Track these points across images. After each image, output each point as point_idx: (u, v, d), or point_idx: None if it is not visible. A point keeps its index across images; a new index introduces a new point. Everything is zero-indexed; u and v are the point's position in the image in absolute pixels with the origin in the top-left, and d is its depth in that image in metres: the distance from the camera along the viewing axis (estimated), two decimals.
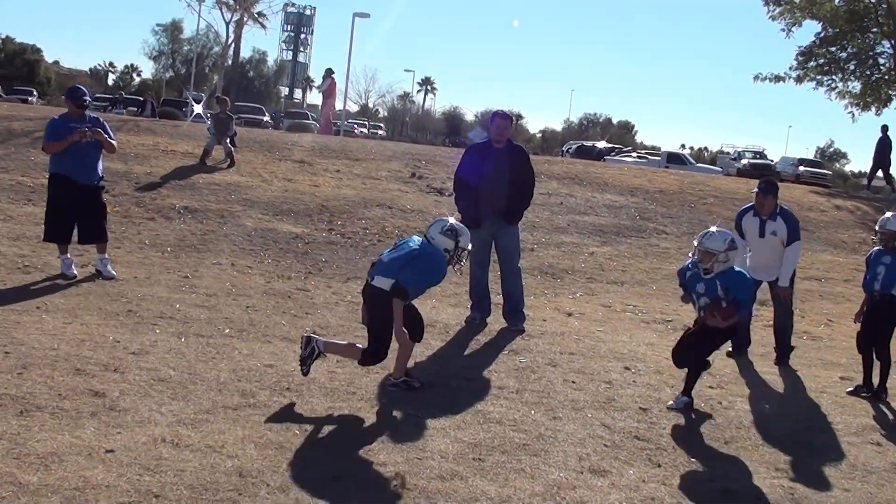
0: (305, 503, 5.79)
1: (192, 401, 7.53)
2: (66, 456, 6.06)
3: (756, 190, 11.31)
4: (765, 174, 44.42)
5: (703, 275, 8.94)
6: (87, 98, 12.37)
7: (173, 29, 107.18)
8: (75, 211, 11.93)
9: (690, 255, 9.10)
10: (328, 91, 36.12)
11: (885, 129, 33.35)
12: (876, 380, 10.25)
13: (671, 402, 9.01)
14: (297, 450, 6.72)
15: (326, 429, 7.25)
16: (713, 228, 9.03)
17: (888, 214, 10.65)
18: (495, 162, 11.50)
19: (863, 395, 10.21)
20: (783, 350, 11.63)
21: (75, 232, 12.09)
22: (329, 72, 36.55)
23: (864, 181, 38.17)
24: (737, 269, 9.01)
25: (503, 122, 11.76)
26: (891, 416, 9.53)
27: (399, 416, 7.79)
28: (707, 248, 8.79)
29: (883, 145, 33.34)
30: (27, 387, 7.38)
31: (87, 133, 11.86)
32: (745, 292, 9.02)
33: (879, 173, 33.87)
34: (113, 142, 12.32)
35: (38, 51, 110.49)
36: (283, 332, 10.28)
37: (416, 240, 8.72)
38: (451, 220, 8.74)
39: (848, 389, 10.37)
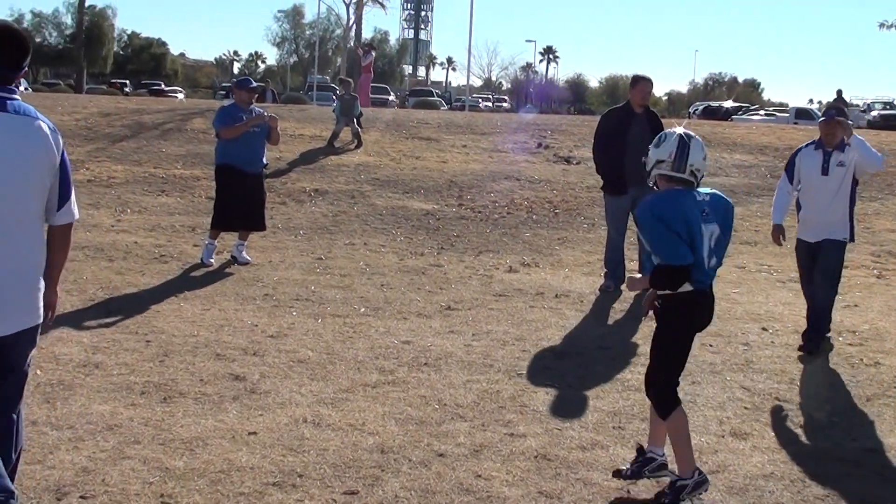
0: (447, 477, 5.77)
1: (332, 380, 7.59)
2: (210, 440, 6.16)
3: (823, 118, 9.74)
4: (895, 126, 43.31)
5: None
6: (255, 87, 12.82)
7: (295, 14, 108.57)
8: (241, 199, 12.11)
9: None
10: (368, 66, 35.86)
11: None
12: None
13: None
14: (437, 424, 6.71)
15: (465, 402, 7.22)
16: None
17: None
18: (638, 127, 11.24)
19: None
20: (812, 337, 9.45)
21: None
22: (371, 46, 36.84)
23: None
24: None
25: (647, 86, 11.56)
26: None
27: (536, 386, 7.73)
28: None
29: None
30: (169, 374, 7.53)
31: (265, 118, 12.09)
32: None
33: None
34: (279, 132, 12.59)
35: (164, 44, 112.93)
36: (418, 308, 10.30)
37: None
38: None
39: None
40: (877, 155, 9.36)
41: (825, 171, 9.38)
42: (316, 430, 6.44)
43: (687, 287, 5.48)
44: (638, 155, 10.80)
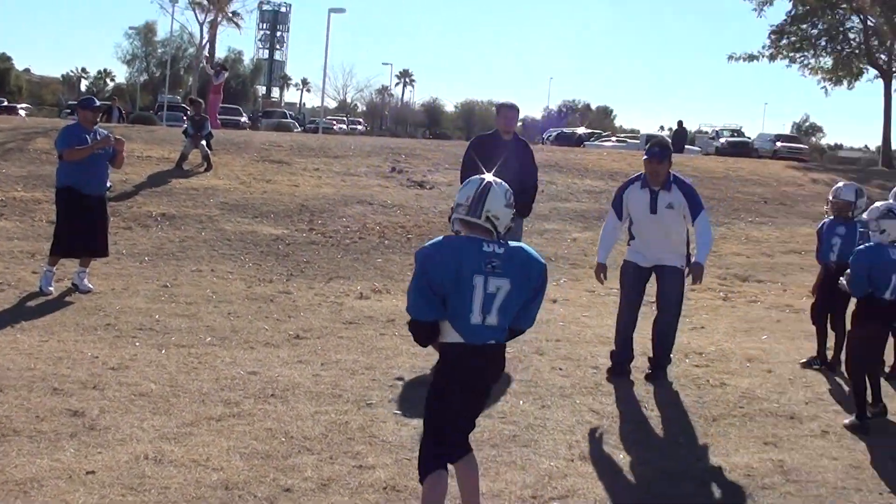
0: None
1: (175, 414, 7.39)
2: (46, 480, 5.92)
3: (646, 156, 9.33)
4: (742, 153, 45.08)
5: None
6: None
7: (146, 31, 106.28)
8: (83, 224, 11.77)
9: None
10: (219, 86, 34.94)
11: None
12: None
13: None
14: (283, 458, 6.58)
15: (313, 434, 7.11)
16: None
17: (840, 184, 10.59)
18: (505, 154, 10.84)
19: (815, 367, 10.13)
20: (659, 363, 9.58)
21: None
22: (222, 66, 36.30)
23: (840, 153, 40.67)
24: None
25: (512, 113, 11.31)
26: (846, 388, 9.25)
27: (386, 416, 7.65)
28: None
29: None
30: (3, 410, 7.21)
31: (111, 142, 11.77)
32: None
33: None
34: (124, 156, 12.32)
35: (8, 59, 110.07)
36: (265, 337, 10.15)
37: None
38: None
39: (801, 361, 10.30)
40: (709, 244, 9.43)
41: (653, 210, 9.29)
42: (157, 467, 6.26)
43: (457, 338, 5.22)
44: (505, 181, 10.64)
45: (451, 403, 5.34)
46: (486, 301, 5.15)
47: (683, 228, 9.48)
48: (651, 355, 9.60)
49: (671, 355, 9.65)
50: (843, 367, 9.67)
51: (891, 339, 10.03)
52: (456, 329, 5.19)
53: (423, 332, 5.31)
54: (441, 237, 5.29)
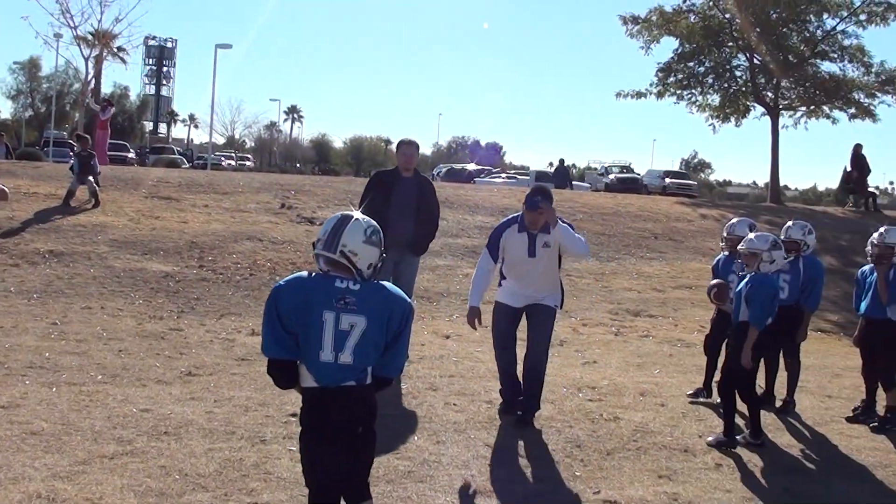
0: None
1: (67, 453, 7.33)
2: None
3: (527, 206, 9.17)
4: (631, 189, 45.91)
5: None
6: None
7: (31, 66, 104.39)
8: None
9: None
10: (106, 122, 34.25)
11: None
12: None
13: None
14: (177, 496, 6.58)
15: (207, 471, 7.11)
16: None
17: (734, 220, 10.86)
18: (404, 191, 11.05)
19: (702, 398, 10.41)
20: (530, 404, 9.37)
21: None
22: (108, 102, 35.96)
23: (728, 189, 41.09)
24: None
25: (408, 150, 11.27)
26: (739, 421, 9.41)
27: (281, 453, 7.68)
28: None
29: None
30: None
31: None
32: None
33: None
34: (5, 189, 12.12)
35: None
36: (157, 374, 10.09)
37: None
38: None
39: (688, 392, 10.57)
40: (581, 242, 9.31)
41: (532, 254, 9.20)
42: None
43: (312, 383, 4.98)
44: (399, 218, 10.71)
45: (320, 453, 5.03)
46: (338, 338, 4.94)
47: (556, 266, 9.43)
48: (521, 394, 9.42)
49: (563, 390, 9.81)
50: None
51: (784, 374, 10.42)
52: (310, 371, 4.97)
53: (275, 371, 5.06)
54: (293, 274, 5.18)
